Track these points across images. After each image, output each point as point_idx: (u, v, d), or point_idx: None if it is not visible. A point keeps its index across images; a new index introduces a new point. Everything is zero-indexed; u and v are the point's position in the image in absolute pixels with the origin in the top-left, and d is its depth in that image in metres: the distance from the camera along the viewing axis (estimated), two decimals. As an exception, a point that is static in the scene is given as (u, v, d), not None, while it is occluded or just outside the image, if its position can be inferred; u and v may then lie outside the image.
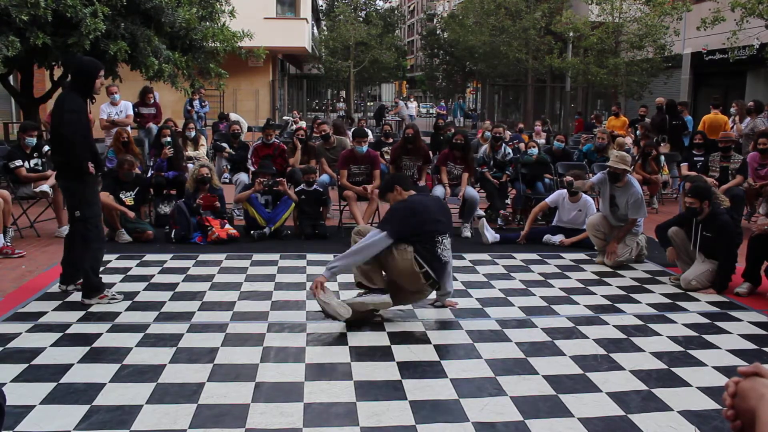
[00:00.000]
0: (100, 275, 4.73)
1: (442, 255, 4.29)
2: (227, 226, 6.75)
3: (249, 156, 8.15)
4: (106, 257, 5.85)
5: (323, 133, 8.38)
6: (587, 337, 4.13)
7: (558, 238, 6.87)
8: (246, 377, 3.41)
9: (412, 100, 29.12)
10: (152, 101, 10.17)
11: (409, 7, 73.76)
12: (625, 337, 4.16)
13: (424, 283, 4.29)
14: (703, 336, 4.21)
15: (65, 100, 4.46)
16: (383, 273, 4.34)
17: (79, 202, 4.56)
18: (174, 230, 6.60)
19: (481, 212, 7.79)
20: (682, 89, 19.82)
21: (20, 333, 3.98)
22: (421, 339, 4.04)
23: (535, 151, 8.37)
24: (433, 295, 4.56)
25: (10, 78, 10.61)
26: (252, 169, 7.76)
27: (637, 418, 3.05)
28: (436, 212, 4.40)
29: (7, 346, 3.77)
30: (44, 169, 6.98)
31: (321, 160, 8.16)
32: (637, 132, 11.27)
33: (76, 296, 4.71)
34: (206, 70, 10.69)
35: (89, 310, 4.45)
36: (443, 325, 4.34)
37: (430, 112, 41.25)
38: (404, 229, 4.21)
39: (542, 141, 11.06)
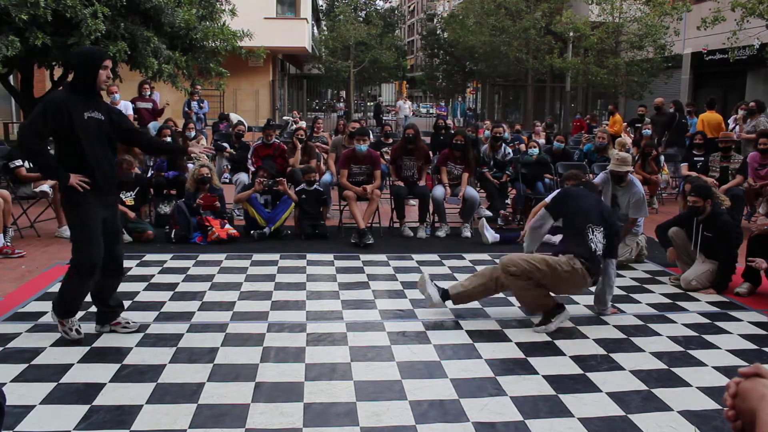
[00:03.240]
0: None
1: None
2: (227, 226, 6.75)
3: (249, 156, 8.14)
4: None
5: (353, 130, 8.13)
6: (587, 337, 4.13)
7: (558, 238, 6.85)
8: (246, 377, 3.41)
9: (405, 100, 29.07)
10: (148, 93, 10.16)
11: (409, 7, 73.75)
12: (625, 337, 4.16)
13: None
14: (703, 336, 4.21)
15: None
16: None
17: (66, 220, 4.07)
18: (174, 230, 6.60)
19: (489, 213, 7.78)
20: (682, 89, 19.82)
21: (20, 333, 3.98)
22: (421, 339, 4.04)
23: (535, 151, 8.37)
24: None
25: (10, 78, 10.60)
26: (252, 169, 7.76)
27: (637, 418, 3.05)
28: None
29: (7, 346, 3.77)
30: (44, 169, 6.97)
31: (330, 155, 8.13)
32: (642, 131, 11.26)
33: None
34: (206, 70, 10.69)
35: (89, 310, 4.44)
36: (443, 325, 4.34)
37: (430, 112, 41.25)
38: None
39: (542, 141, 11.05)
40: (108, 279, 3.97)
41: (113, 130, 3.89)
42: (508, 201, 8.42)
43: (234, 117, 13.86)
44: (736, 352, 3.93)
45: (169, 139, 7.77)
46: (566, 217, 4.54)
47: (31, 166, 6.94)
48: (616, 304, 4.75)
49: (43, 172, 3.91)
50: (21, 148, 3.90)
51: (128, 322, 4.09)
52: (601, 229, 4.35)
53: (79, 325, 3.94)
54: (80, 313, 4.35)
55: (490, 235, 6.81)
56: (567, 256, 4.21)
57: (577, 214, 4.43)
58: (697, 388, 3.41)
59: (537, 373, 3.54)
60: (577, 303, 4.87)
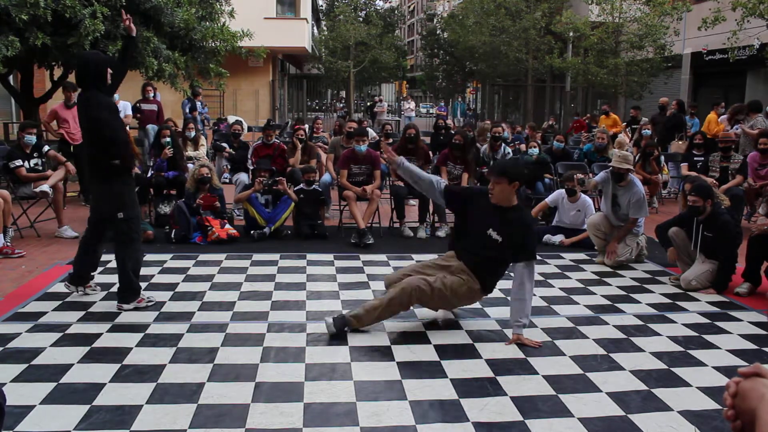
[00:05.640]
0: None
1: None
2: (227, 226, 6.75)
3: (249, 156, 8.14)
4: (104, 257, 5.86)
5: (350, 130, 8.18)
6: (587, 337, 4.13)
7: (558, 238, 6.87)
8: (246, 377, 3.41)
9: (408, 100, 29.22)
10: (152, 95, 10.16)
11: (409, 7, 73.76)
12: (625, 337, 4.16)
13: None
14: (703, 336, 4.21)
15: (97, 99, 4.26)
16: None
17: (123, 203, 4.41)
18: (174, 230, 6.60)
19: None
20: (682, 89, 19.82)
21: (20, 333, 3.98)
22: (421, 339, 4.04)
23: (535, 151, 8.37)
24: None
25: (10, 78, 10.60)
26: (252, 168, 7.76)
27: (637, 418, 3.05)
28: None
29: (7, 346, 3.77)
30: (44, 169, 6.98)
31: (329, 156, 8.13)
32: (642, 131, 11.27)
33: (76, 296, 4.71)
34: (206, 70, 10.68)
35: (89, 310, 4.45)
36: (443, 325, 4.34)
37: (430, 112, 41.24)
38: None
39: (538, 142, 11.05)
40: (100, 246, 4.72)
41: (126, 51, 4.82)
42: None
43: (231, 117, 13.86)
44: (736, 352, 3.93)
45: (168, 139, 7.76)
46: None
47: (31, 166, 6.94)
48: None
49: (126, 161, 4.40)
50: (108, 142, 4.34)
51: (150, 298, 4.62)
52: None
53: (149, 296, 4.61)
54: (80, 313, 4.36)
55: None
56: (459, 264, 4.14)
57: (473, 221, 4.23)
58: (697, 388, 3.41)
59: (537, 373, 3.54)
60: (577, 303, 4.87)
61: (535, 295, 5.00)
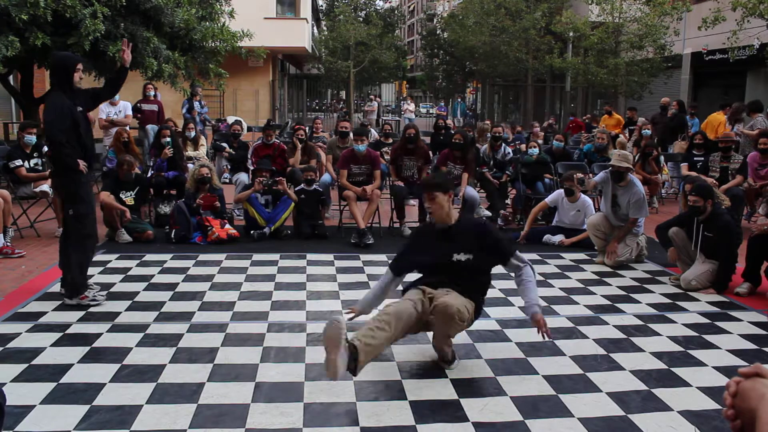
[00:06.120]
0: (88, 275, 4.70)
1: None
2: (227, 226, 6.75)
3: (249, 156, 8.14)
4: (105, 257, 5.88)
5: (343, 130, 8.26)
6: (587, 337, 4.13)
7: (558, 238, 6.87)
8: (246, 377, 3.41)
9: (409, 101, 29.26)
10: (152, 94, 10.16)
11: (409, 7, 73.73)
12: (625, 337, 4.16)
13: None
14: (703, 336, 4.21)
15: (52, 101, 4.43)
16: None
17: (73, 200, 4.54)
18: (174, 230, 6.60)
19: (488, 213, 7.78)
20: (682, 89, 19.81)
21: (20, 333, 3.98)
22: (422, 339, 4.04)
23: (535, 151, 8.37)
24: None
25: (10, 78, 10.60)
26: (252, 168, 7.76)
27: (637, 418, 3.05)
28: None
29: (7, 346, 3.77)
30: (44, 169, 6.98)
31: (327, 157, 8.13)
32: (642, 131, 11.26)
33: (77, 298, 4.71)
34: (206, 71, 10.68)
35: (89, 310, 4.45)
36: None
37: (430, 112, 41.24)
38: None
39: (540, 141, 11.04)
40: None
41: (90, 110, 4.67)
42: (508, 201, 8.43)
43: (230, 118, 13.85)
44: (736, 352, 3.93)
45: (168, 139, 7.76)
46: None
47: (31, 166, 6.95)
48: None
49: (67, 160, 4.40)
50: (50, 141, 4.50)
51: (95, 297, 4.62)
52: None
53: (98, 289, 4.63)
54: (80, 313, 4.36)
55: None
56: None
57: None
58: (697, 388, 3.41)
59: (537, 373, 3.54)
60: (577, 303, 4.87)
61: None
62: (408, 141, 7.49)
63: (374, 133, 10.61)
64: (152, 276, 5.34)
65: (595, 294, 5.13)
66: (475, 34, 27.63)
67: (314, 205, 7.14)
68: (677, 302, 4.97)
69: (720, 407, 3.14)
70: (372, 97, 29.92)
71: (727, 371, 3.61)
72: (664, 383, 3.46)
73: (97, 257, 5.90)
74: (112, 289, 4.92)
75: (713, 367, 3.69)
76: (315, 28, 33.64)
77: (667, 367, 3.67)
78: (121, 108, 9.47)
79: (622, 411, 3.13)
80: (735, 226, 5.33)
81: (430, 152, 8.25)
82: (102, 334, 4.00)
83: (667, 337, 4.18)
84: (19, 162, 6.83)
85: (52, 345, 3.80)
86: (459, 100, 37.20)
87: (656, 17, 17.90)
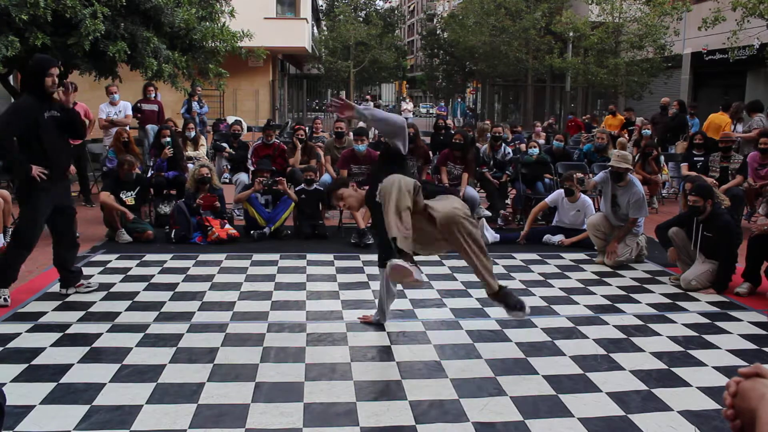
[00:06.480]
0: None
1: None
2: (227, 226, 6.75)
3: (249, 156, 8.14)
4: (105, 257, 5.89)
5: (338, 130, 8.27)
6: (587, 337, 4.13)
7: (558, 238, 6.87)
8: (246, 377, 3.41)
9: (408, 101, 29.33)
10: (153, 95, 10.16)
11: (409, 7, 73.74)
12: (625, 337, 4.16)
13: None
14: (703, 336, 4.21)
15: (15, 104, 4.44)
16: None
17: (21, 201, 4.54)
18: (174, 230, 6.60)
19: (488, 213, 7.78)
20: (682, 89, 19.82)
21: (20, 333, 3.97)
22: (421, 339, 4.04)
23: (535, 151, 8.37)
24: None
25: (10, 78, 10.60)
26: (252, 169, 7.77)
27: (637, 418, 3.05)
28: None
29: (7, 346, 3.77)
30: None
31: (325, 158, 8.13)
32: (641, 131, 11.26)
33: (76, 296, 4.72)
34: (206, 71, 10.68)
35: (89, 310, 4.45)
36: (443, 325, 4.34)
37: (430, 112, 41.25)
38: None
39: (542, 141, 11.05)
40: (67, 251, 4.73)
41: (68, 124, 4.53)
42: (508, 201, 8.43)
43: (230, 118, 13.85)
44: (736, 352, 3.93)
45: (168, 139, 7.76)
46: None
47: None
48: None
49: (10, 164, 4.43)
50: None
51: (89, 284, 4.82)
52: None
53: (8, 295, 4.52)
54: (80, 313, 4.37)
55: (490, 235, 6.82)
56: None
57: None
58: (697, 388, 3.41)
59: (537, 373, 3.54)
60: (577, 303, 4.87)
61: (534, 294, 5.02)
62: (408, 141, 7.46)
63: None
64: (152, 276, 5.34)
65: (595, 294, 5.13)
66: (475, 34, 27.64)
67: (314, 205, 7.14)
68: (677, 302, 4.96)
69: (720, 407, 3.14)
70: (368, 97, 29.96)
71: (727, 371, 3.61)
72: (664, 383, 3.46)
73: (97, 257, 5.91)
74: (112, 289, 4.92)
75: (713, 367, 3.69)
76: (315, 28, 33.64)
77: (667, 367, 3.67)
78: (121, 108, 9.46)
79: (622, 411, 3.13)
80: (735, 226, 5.33)
81: (430, 152, 8.25)
82: (102, 334, 4.00)
83: (667, 337, 4.18)
84: (19, 162, 6.81)
85: (52, 345, 3.80)
86: (459, 100, 37.24)
87: (656, 17, 17.90)
